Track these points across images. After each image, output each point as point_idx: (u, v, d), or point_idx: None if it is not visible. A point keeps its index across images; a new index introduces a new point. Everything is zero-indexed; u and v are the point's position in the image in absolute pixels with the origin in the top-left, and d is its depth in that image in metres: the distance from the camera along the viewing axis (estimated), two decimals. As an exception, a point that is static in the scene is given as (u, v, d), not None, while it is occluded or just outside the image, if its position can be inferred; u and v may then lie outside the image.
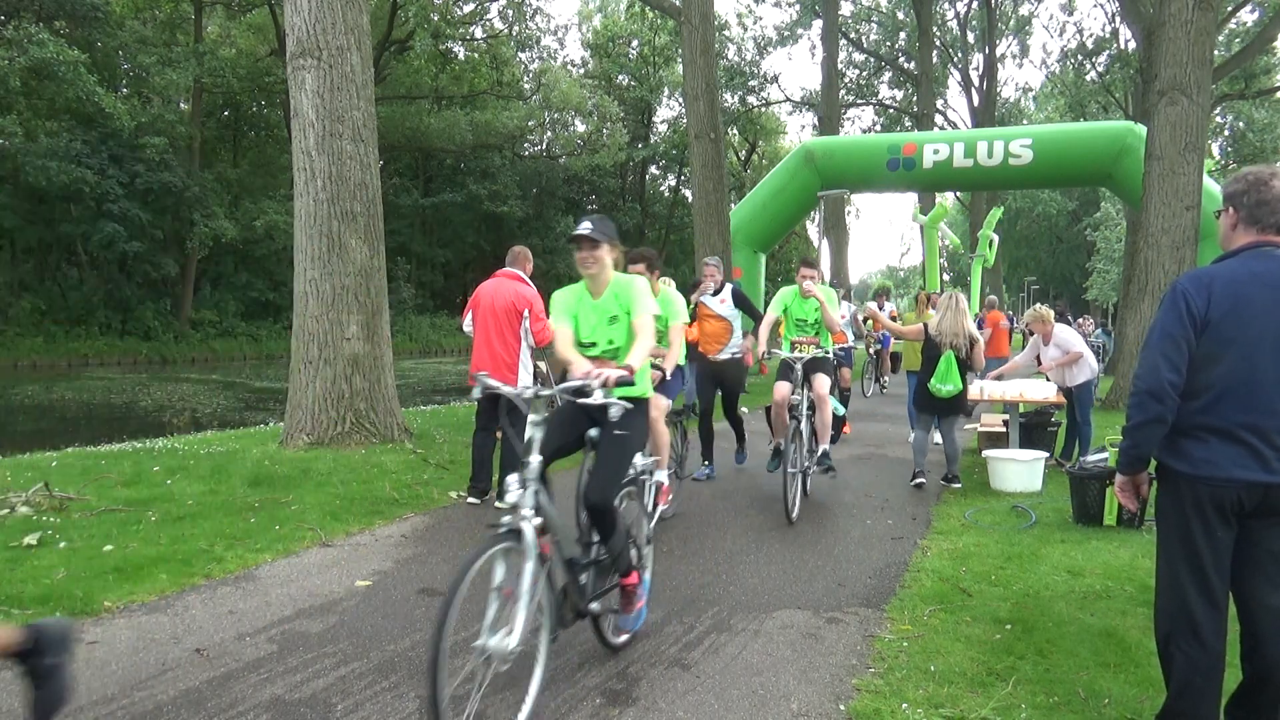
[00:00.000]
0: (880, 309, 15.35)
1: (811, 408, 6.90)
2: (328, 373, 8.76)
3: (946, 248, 36.49)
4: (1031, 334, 8.97)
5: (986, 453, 8.06)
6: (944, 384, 7.40)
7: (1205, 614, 2.67)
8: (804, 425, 6.81)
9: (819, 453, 6.97)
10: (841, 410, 7.32)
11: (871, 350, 17.17)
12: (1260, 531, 2.68)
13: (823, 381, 6.90)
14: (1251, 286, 2.65)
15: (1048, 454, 8.13)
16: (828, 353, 7.12)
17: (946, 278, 34.07)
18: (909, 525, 6.34)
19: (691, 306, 7.84)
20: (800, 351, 6.92)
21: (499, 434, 6.70)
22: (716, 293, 8.00)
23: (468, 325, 6.80)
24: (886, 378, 17.55)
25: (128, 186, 29.78)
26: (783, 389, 6.78)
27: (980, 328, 17.35)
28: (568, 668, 3.63)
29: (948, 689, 3.44)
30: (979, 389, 8.95)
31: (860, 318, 13.68)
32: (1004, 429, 9.00)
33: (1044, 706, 3.32)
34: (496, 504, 6.62)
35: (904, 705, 3.29)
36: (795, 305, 7.13)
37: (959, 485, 7.64)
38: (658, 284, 6.16)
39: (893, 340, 17.44)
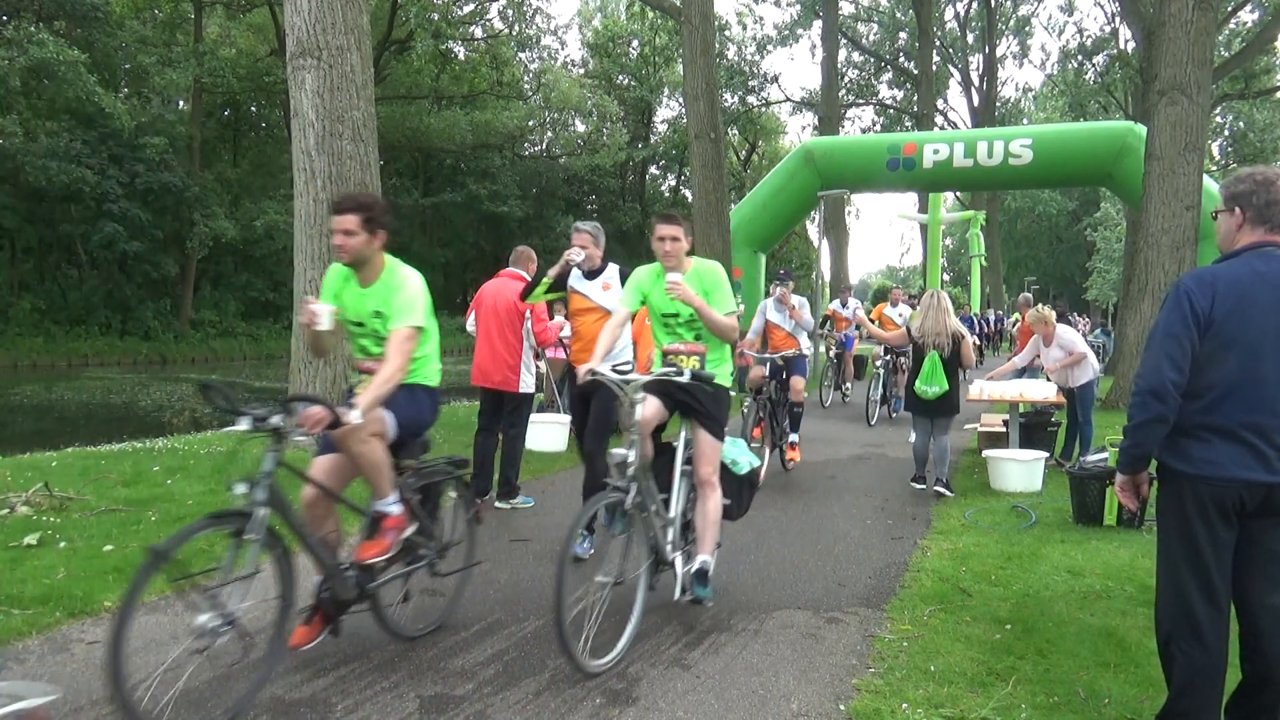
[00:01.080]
0: (843, 306, 14.68)
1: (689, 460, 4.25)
2: (328, 373, 8.75)
3: (947, 246, 36.46)
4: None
5: (986, 453, 8.06)
6: (929, 385, 7.32)
7: (1207, 614, 2.67)
8: (659, 504, 4.08)
9: (694, 565, 4.12)
10: (747, 464, 4.54)
11: (831, 354, 14.79)
12: (1261, 532, 2.68)
13: (709, 450, 4.20)
14: (1255, 286, 2.65)
15: (1047, 454, 8.12)
16: (712, 381, 4.20)
17: (946, 277, 34.09)
18: (909, 525, 6.34)
19: (545, 287, 5.65)
20: (673, 365, 4.22)
21: (500, 434, 6.70)
22: (593, 275, 5.44)
23: (470, 325, 6.82)
24: (848, 385, 15.38)
25: (128, 186, 29.75)
26: (650, 407, 4.13)
27: (1017, 326, 17.11)
28: (567, 667, 3.62)
29: (948, 689, 3.44)
30: (979, 389, 8.94)
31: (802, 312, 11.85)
32: (1004, 429, 8.99)
33: (1044, 706, 3.32)
34: (496, 504, 6.63)
35: (904, 705, 3.29)
36: (657, 292, 4.32)
37: (950, 494, 7.35)
38: (378, 255, 3.69)
39: (856, 343, 16.43)
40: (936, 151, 19.67)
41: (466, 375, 7.16)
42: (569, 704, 3.31)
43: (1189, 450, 2.70)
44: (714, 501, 4.25)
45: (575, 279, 5.51)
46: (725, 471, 4.41)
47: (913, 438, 8.87)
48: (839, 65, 33.92)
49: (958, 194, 38.95)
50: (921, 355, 7.42)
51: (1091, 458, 6.53)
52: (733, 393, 4.62)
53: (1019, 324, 13.91)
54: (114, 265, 31.67)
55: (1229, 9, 23.56)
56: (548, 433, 8.99)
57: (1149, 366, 2.71)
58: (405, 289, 3.65)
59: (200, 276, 35.39)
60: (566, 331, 8.58)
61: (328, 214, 8.73)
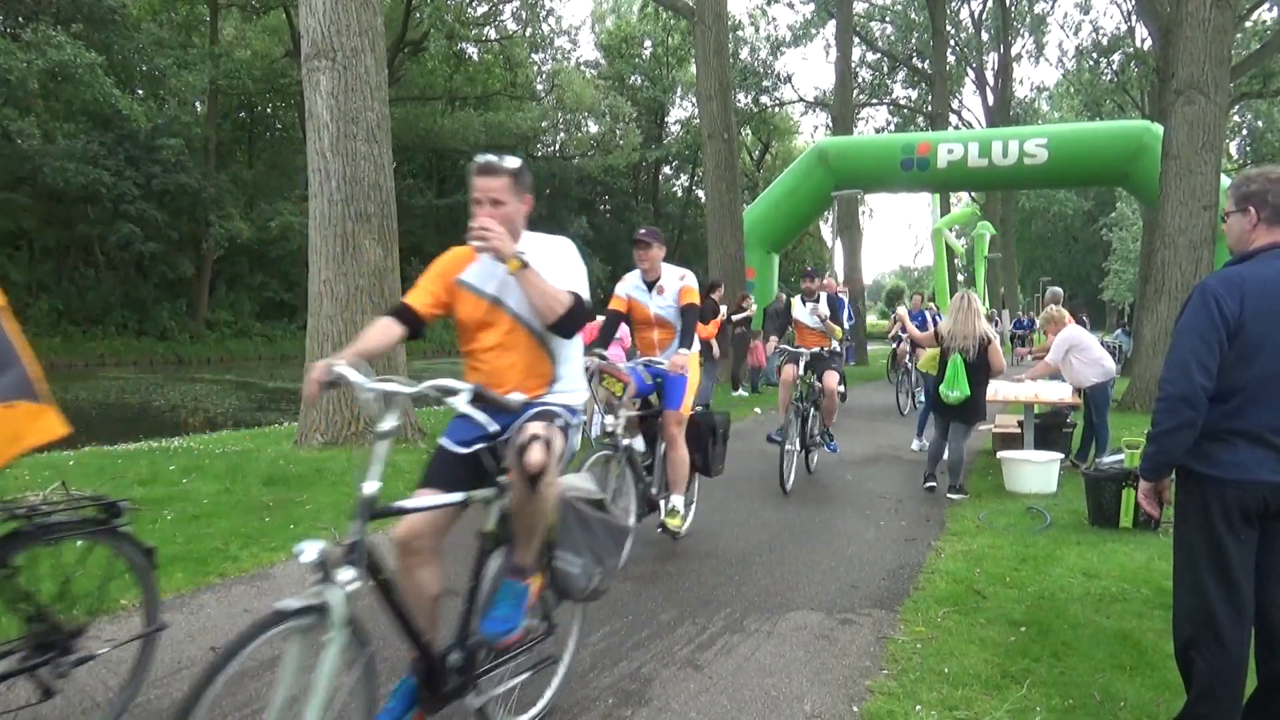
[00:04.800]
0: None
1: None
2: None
3: (963, 245, 36.15)
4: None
5: (1001, 454, 8.01)
6: (951, 390, 7.24)
7: (1229, 618, 2.64)
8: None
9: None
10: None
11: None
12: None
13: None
14: None
15: (1063, 455, 8.06)
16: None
17: (961, 278, 33.92)
18: (922, 527, 6.31)
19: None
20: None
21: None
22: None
23: None
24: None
25: (144, 188, 29.98)
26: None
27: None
28: (580, 668, 3.63)
29: (962, 691, 3.42)
30: (993, 389, 8.88)
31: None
32: (1019, 430, 8.94)
33: (1059, 709, 3.30)
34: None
35: (917, 707, 3.27)
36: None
37: (965, 496, 7.32)
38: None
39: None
40: (951, 151, 19.60)
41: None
42: (581, 704, 3.31)
43: (1213, 453, 2.66)
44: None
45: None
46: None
47: (916, 445, 8.83)
48: (853, 65, 33.82)
49: (972, 194, 38.79)
50: (947, 358, 7.36)
51: (1107, 459, 6.48)
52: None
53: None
54: (131, 266, 31.92)
55: (1247, 7, 23.37)
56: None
57: (1177, 371, 2.64)
58: None
59: (216, 277, 35.64)
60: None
61: (342, 215, 8.79)
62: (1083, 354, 8.16)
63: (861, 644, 3.96)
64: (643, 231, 5.49)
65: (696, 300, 5.49)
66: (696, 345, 5.50)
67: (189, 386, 23.94)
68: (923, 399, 13.76)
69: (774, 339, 9.13)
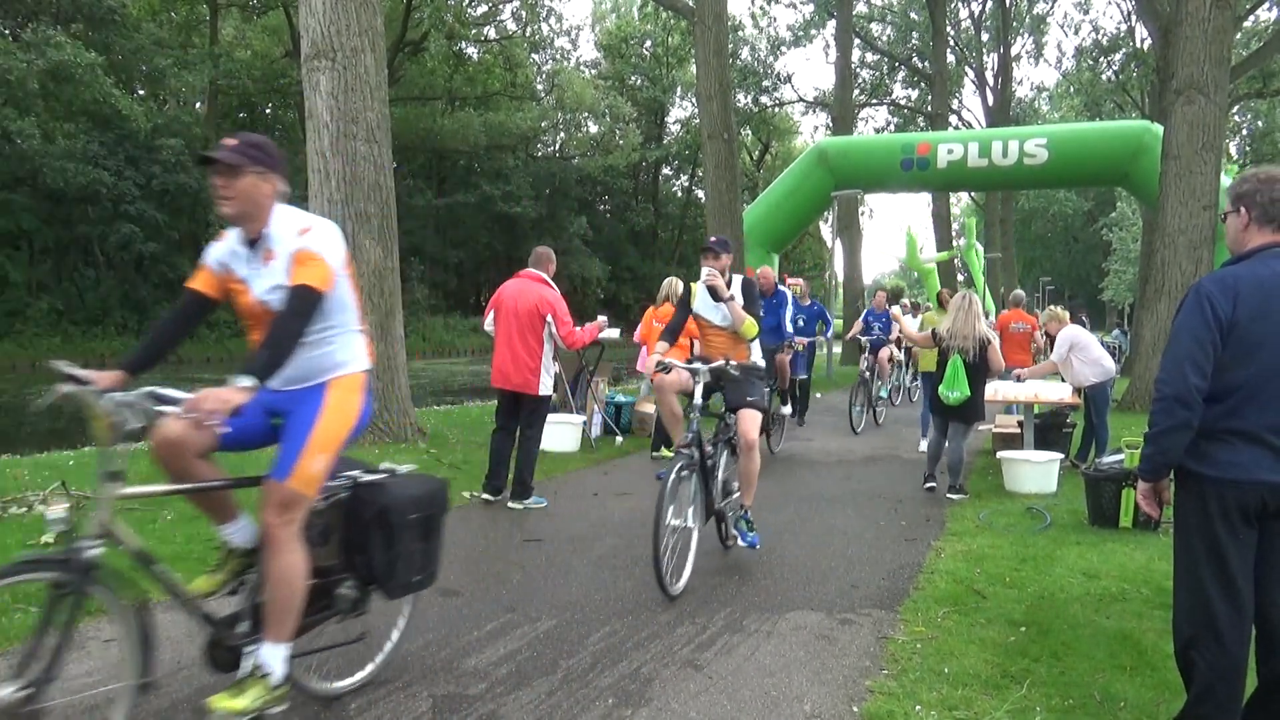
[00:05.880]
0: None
1: None
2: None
3: (959, 245, 36.06)
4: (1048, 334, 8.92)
5: (1001, 454, 8.01)
6: (951, 390, 7.22)
7: (1229, 618, 2.64)
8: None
9: None
10: None
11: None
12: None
13: None
14: (1276, 288, 2.62)
15: (1063, 455, 8.06)
16: None
17: (961, 278, 33.94)
18: (922, 527, 6.31)
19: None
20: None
21: (517, 435, 6.72)
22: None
23: (489, 325, 6.84)
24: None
25: (144, 188, 30.00)
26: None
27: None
28: (580, 668, 3.63)
29: (961, 691, 3.43)
30: (993, 389, 8.88)
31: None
32: (1019, 430, 8.94)
33: (1059, 709, 3.30)
34: (509, 504, 6.64)
35: (917, 707, 3.27)
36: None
37: (965, 496, 7.32)
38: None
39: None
40: (951, 151, 19.60)
41: (483, 376, 7.19)
42: (581, 704, 3.31)
43: (1212, 453, 2.66)
44: None
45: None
46: None
47: (923, 446, 8.81)
48: (853, 65, 33.84)
49: (971, 195, 38.79)
50: (946, 358, 7.35)
51: (1107, 459, 6.48)
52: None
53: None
54: (130, 266, 31.92)
55: (1247, 7, 23.40)
56: (561, 433, 9.00)
57: (1171, 372, 2.65)
58: None
59: (216, 277, 35.65)
60: (610, 333, 8.41)
61: (342, 215, 8.78)
62: (1082, 353, 8.16)
63: (861, 644, 3.96)
64: (231, 142, 2.96)
65: (317, 282, 2.86)
66: (357, 365, 3.12)
67: (188, 387, 23.93)
68: (881, 412, 13.74)
69: (661, 345, 5.19)
